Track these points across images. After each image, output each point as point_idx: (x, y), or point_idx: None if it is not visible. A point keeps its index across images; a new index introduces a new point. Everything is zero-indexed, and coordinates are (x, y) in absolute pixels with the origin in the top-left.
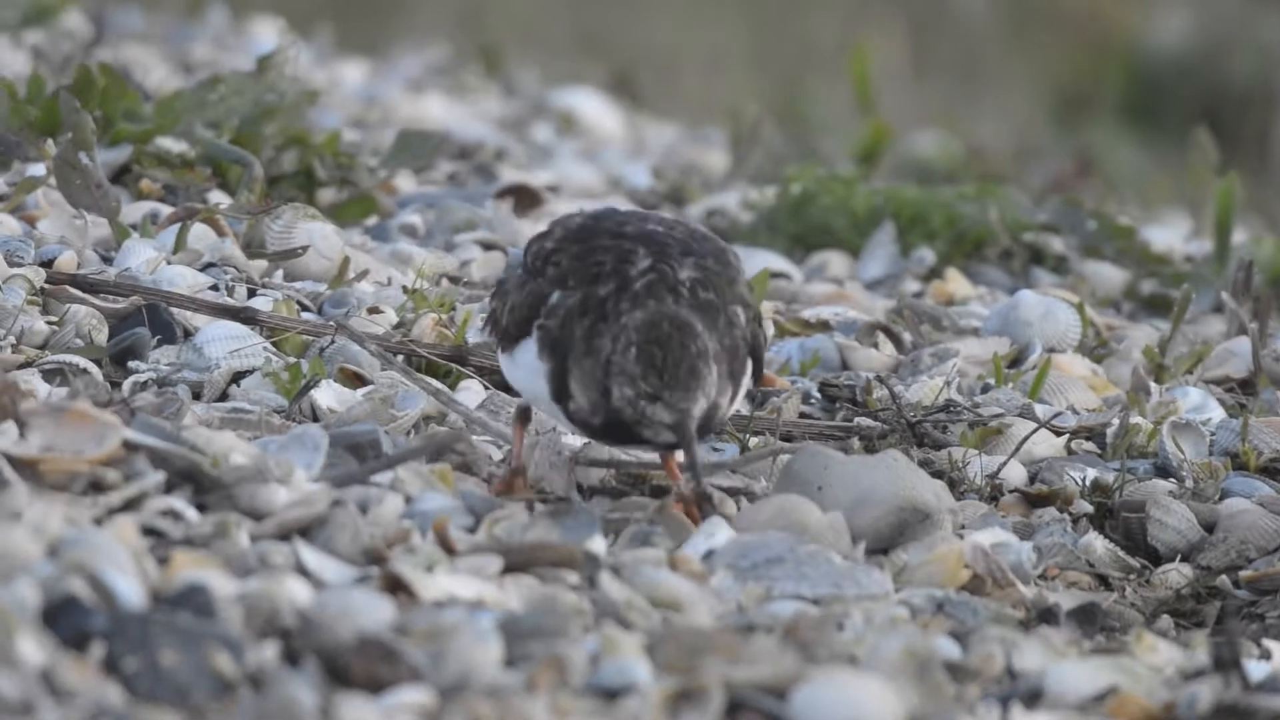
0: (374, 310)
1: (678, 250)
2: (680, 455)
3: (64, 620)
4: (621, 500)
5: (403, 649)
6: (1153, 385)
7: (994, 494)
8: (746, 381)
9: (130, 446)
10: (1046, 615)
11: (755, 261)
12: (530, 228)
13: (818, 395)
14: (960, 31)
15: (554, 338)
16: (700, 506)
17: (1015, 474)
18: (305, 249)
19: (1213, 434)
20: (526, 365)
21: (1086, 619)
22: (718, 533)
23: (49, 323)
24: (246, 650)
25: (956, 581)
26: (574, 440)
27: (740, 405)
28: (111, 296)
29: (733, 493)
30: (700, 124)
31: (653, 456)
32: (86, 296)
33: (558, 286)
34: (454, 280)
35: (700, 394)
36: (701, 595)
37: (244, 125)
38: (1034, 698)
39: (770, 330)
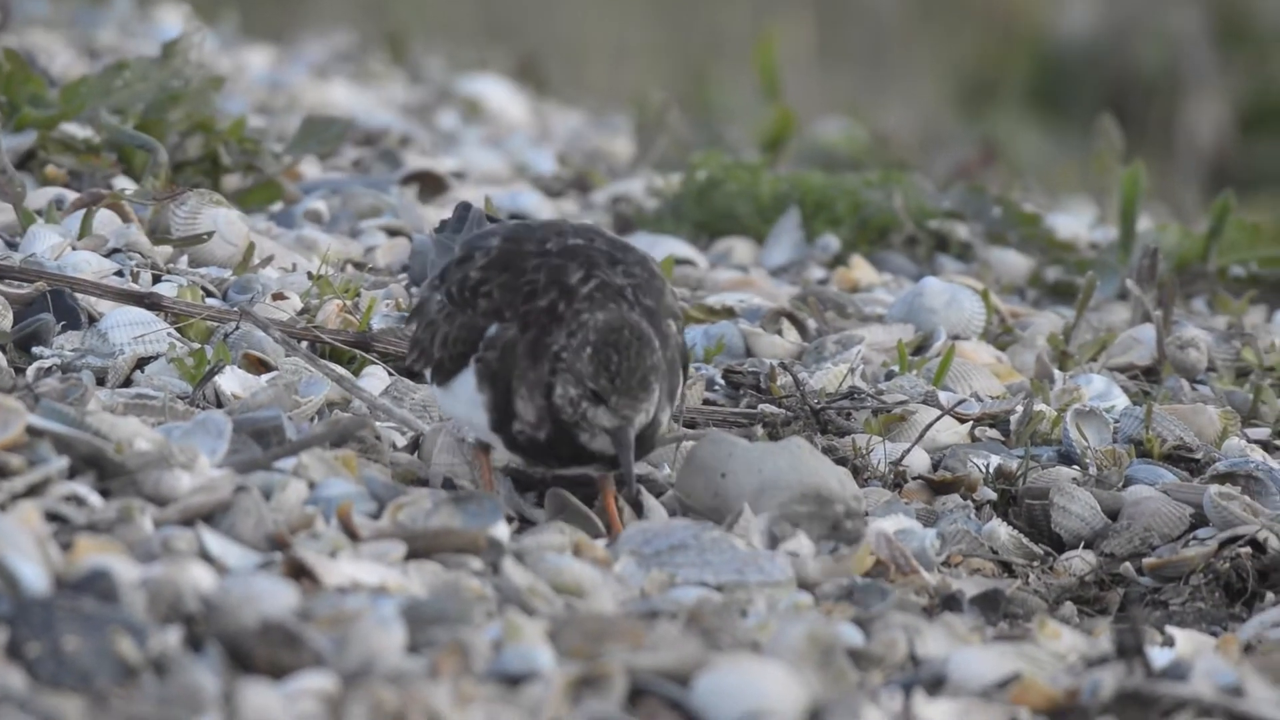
0: (278, 296)
1: (605, 262)
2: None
3: None
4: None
5: (306, 635)
6: (1057, 372)
7: (898, 481)
8: (680, 396)
9: (34, 432)
10: (950, 602)
11: (660, 248)
12: (435, 214)
13: (722, 382)
14: (867, 19)
15: (494, 370)
16: (637, 512)
17: (919, 461)
18: (210, 235)
19: (1116, 421)
20: (465, 398)
21: (990, 606)
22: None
23: None
24: (150, 635)
25: (863, 569)
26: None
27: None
28: (16, 282)
29: (640, 480)
30: (606, 111)
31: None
32: None
33: (494, 319)
34: (359, 266)
35: (646, 405)
36: (605, 581)
37: (149, 111)
38: (937, 684)
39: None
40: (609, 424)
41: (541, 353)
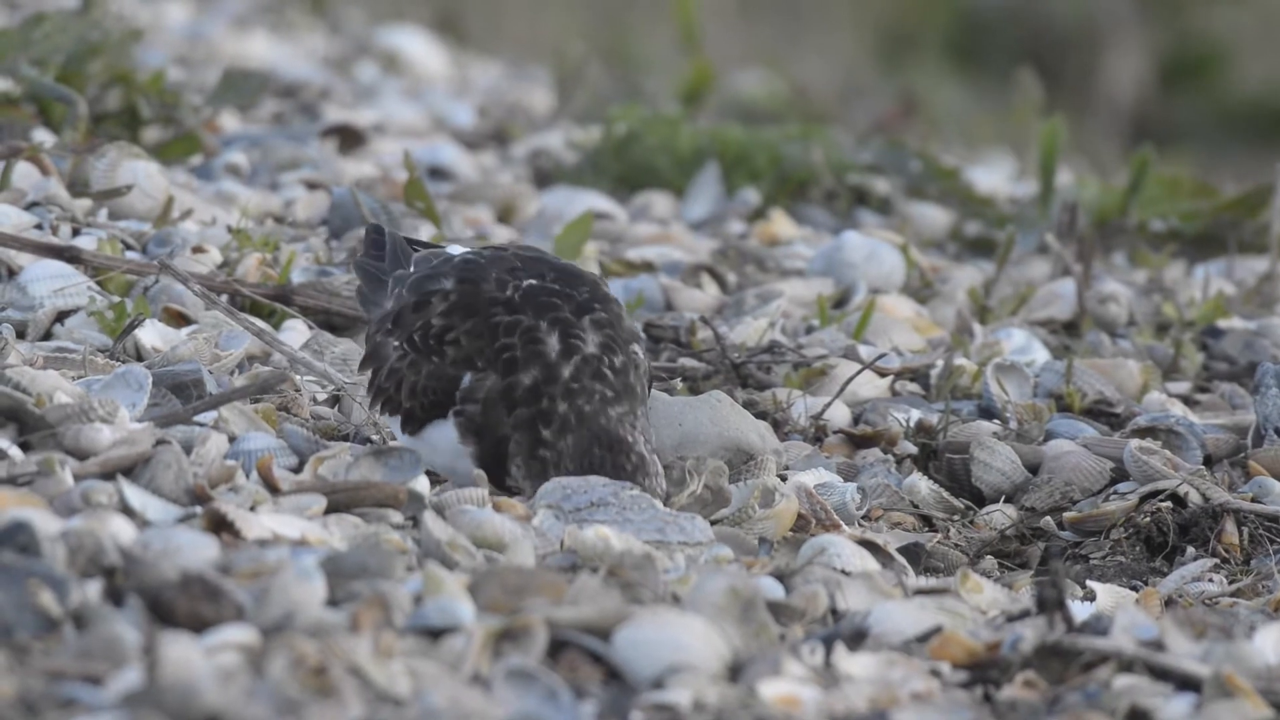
0: (198, 250)
1: (571, 310)
2: None
3: None
4: None
5: (226, 588)
6: (977, 327)
7: (818, 435)
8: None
9: None
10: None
11: (579, 202)
12: (354, 167)
13: (642, 336)
14: None
15: (478, 424)
16: None
17: (839, 415)
18: (129, 188)
19: (1037, 375)
20: (445, 449)
21: (911, 559)
22: None
23: None
24: (70, 588)
25: (785, 530)
26: None
27: None
28: None
29: None
30: (525, 63)
31: None
32: None
33: (466, 368)
34: (278, 219)
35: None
36: (525, 535)
37: (68, 63)
38: (858, 638)
39: (596, 272)
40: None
41: (539, 448)
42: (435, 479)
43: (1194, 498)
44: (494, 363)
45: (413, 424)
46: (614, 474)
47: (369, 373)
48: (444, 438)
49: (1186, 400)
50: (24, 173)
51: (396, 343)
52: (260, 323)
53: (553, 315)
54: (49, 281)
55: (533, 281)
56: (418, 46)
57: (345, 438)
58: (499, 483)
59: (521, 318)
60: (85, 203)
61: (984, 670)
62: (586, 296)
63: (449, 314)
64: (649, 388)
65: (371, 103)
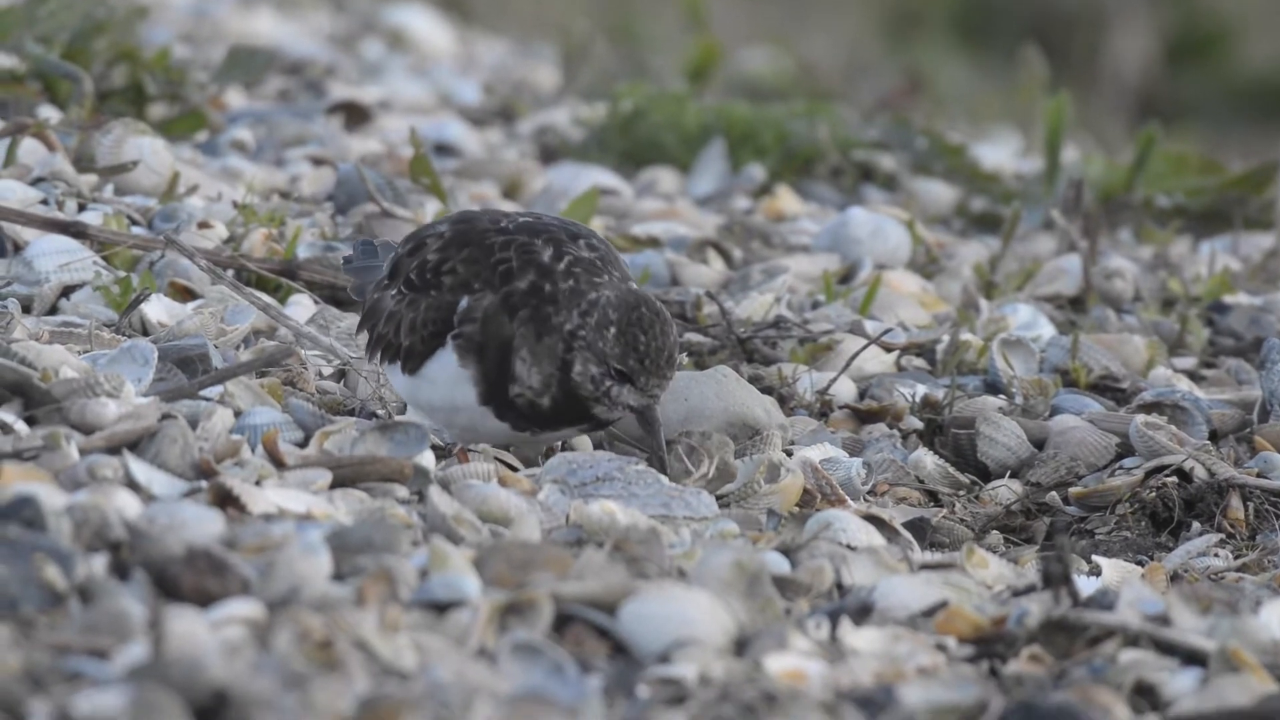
0: (204, 225)
1: (566, 236)
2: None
3: None
4: None
5: (232, 562)
6: (983, 302)
7: (824, 410)
8: None
9: None
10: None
11: (585, 178)
12: (360, 143)
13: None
14: None
15: (477, 341)
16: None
17: (845, 390)
18: (135, 164)
19: (1043, 351)
20: (445, 378)
21: (916, 534)
22: None
23: None
24: (76, 562)
25: (791, 505)
26: None
27: None
28: None
29: None
30: (531, 40)
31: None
32: None
33: (464, 292)
34: (284, 195)
35: (670, 381)
36: (531, 510)
37: (74, 40)
38: (864, 612)
39: None
40: (636, 403)
41: (548, 329)
42: (441, 453)
43: (1199, 473)
44: (491, 280)
45: (412, 361)
46: (662, 341)
47: (366, 333)
48: (443, 367)
49: (1192, 376)
50: (30, 149)
51: (394, 291)
52: (266, 297)
53: (547, 236)
54: (55, 256)
55: (527, 219)
56: (423, 24)
57: (351, 412)
58: (501, 399)
59: (517, 237)
60: (91, 178)
61: (990, 645)
62: (581, 232)
63: (444, 249)
64: None
65: (377, 80)
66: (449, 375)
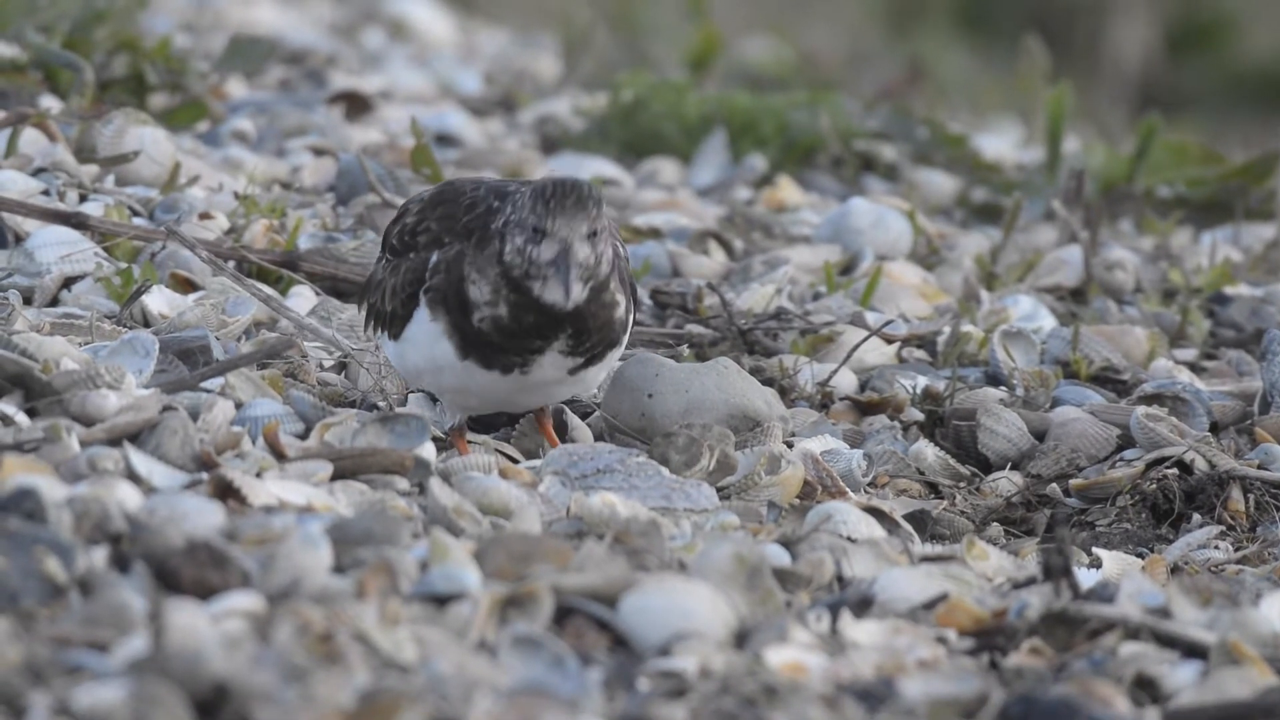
0: (205, 216)
1: None
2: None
3: None
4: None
5: (232, 554)
6: (984, 293)
7: (825, 401)
8: (631, 306)
9: None
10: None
11: (586, 168)
12: (361, 133)
13: (649, 302)
14: None
15: (443, 290)
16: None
17: (846, 381)
18: (136, 154)
19: (1044, 342)
20: (422, 337)
21: (917, 526)
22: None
23: None
24: (76, 555)
25: (792, 497)
26: None
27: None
28: None
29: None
30: (532, 30)
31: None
32: None
33: (435, 248)
34: (285, 186)
35: (584, 228)
36: (531, 502)
37: (75, 29)
38: (864, 605)
39: None
40: (550, 254)
41: (487, 237)
42: (442, 445)
43: (1200, 464)
44: (460, 234)
45: (396, 325)
46: (570, 188)
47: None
48: (420, 325)
49: (1193, 367)
50: (31, 139)
51: (383, 261)
52: (267, 289)
53: (524, 184)
54: (56, 247)
55: (509, 186)
56: (424, 13)
57: (352, 404)
58: (473, 340)
59: (491, 198)
60: (92, 169)
61: (990, 637)
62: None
63: (422, 211)
64: (628, 275)
65: (378, 69)
66: (425, 332)
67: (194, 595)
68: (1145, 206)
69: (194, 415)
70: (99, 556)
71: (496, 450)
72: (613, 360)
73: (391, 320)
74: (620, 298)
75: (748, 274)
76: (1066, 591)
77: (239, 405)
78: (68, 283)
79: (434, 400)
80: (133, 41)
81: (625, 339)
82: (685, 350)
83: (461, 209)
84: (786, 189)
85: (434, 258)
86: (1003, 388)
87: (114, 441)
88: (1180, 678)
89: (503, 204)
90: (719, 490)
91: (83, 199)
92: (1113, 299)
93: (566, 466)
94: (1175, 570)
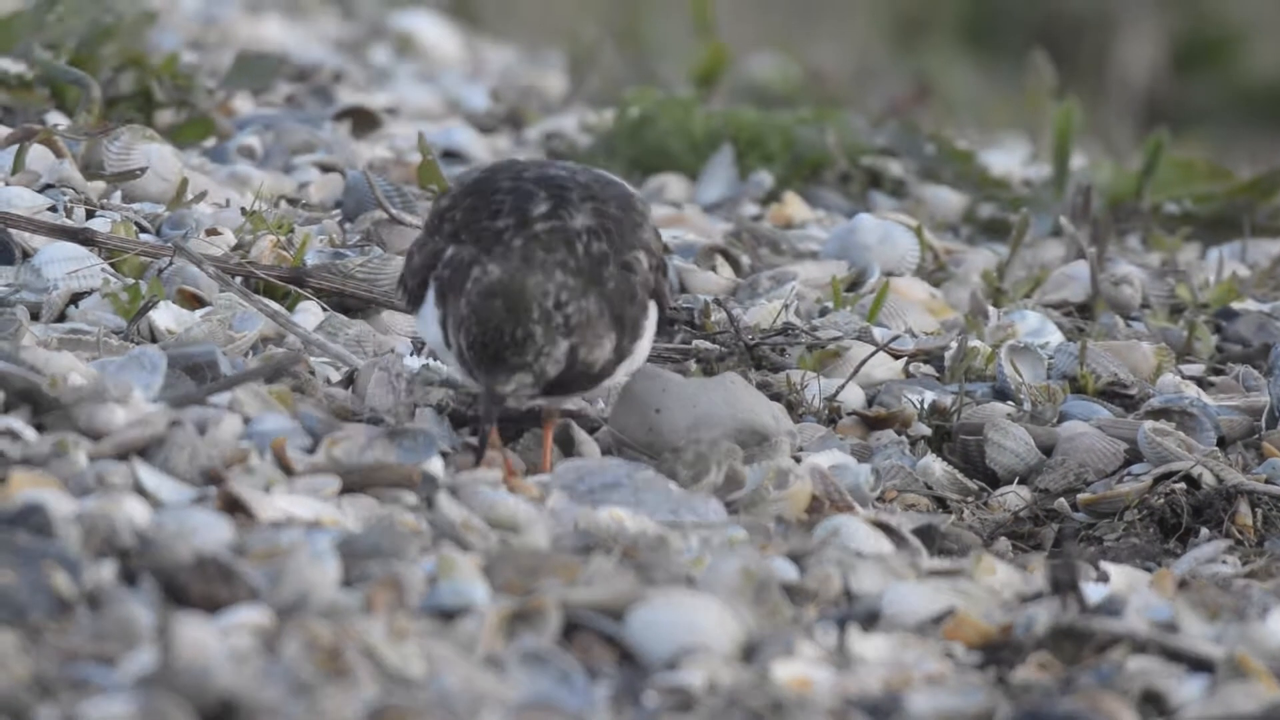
0: (212, 232)
1: (578, 195)
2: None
3: None
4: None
5: (240, 569)
6: (991, 309)
7: (832, 416)
8: (650, 324)
9: None
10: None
11: None
12: (368, 150)
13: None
14: None
15: (445, 285)
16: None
17: (853, 396)
18: (143, 170)
19: (1051, 357)
20: (428, 317)
21: (924, 541)
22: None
23: None
24: (84, 569)
25: (799, 511)
26: (413, 362)
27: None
28: None
29: (568, 415)
30: (539, 46)
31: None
32: None
33: (452, 242)
34: (292, 202)
35: (508, 376)
36: (539, 516)
37: (82, 46)
38: (871, 619)
39: None
40: (478, 390)
41: (460, 287)
42: (450, 459)
43: (1208, 479)
44: (475, 235)
45: (413, 302)
46: (493, 336)
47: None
48: (428, 306)
49: (1200, 382)
50: (38, 155)
51: (422, 233)
52: (274, 305)
53: (556, 192)
54: (63, 264)
55: (560, 173)
56: (431, 30)
57: (360, 419)
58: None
59: (524, 185)
60: (99, 185)
61: (997, 652)
62: (609, 194)
63: (458, 195)
64: (649, 310)
65: (385, 86)
66: (431, 315)
67: (202, 610)
68: (1152, 222)
69: (201, 430)
70: (107, 571)
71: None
72: (613, 381)
73: (411, 295)
74: (606, 342)
75: (755, 290)
76: (1074, 606)
77: (247, 420)
78: (75, 298)
79: (440, 411)
80: (140, 58)
81: (619, 368)
82: (693, 366)
83: (486, 210)
84: (793, 205)
85: (448, 252)
86: (1010, 403)
87: (122, 456)
88: (1187, 692)
89: (512, 230)
90: (727, 505)
91: (90, 215)
92: (1120, 314)
93: (574, 481)
94: (1183, 585)
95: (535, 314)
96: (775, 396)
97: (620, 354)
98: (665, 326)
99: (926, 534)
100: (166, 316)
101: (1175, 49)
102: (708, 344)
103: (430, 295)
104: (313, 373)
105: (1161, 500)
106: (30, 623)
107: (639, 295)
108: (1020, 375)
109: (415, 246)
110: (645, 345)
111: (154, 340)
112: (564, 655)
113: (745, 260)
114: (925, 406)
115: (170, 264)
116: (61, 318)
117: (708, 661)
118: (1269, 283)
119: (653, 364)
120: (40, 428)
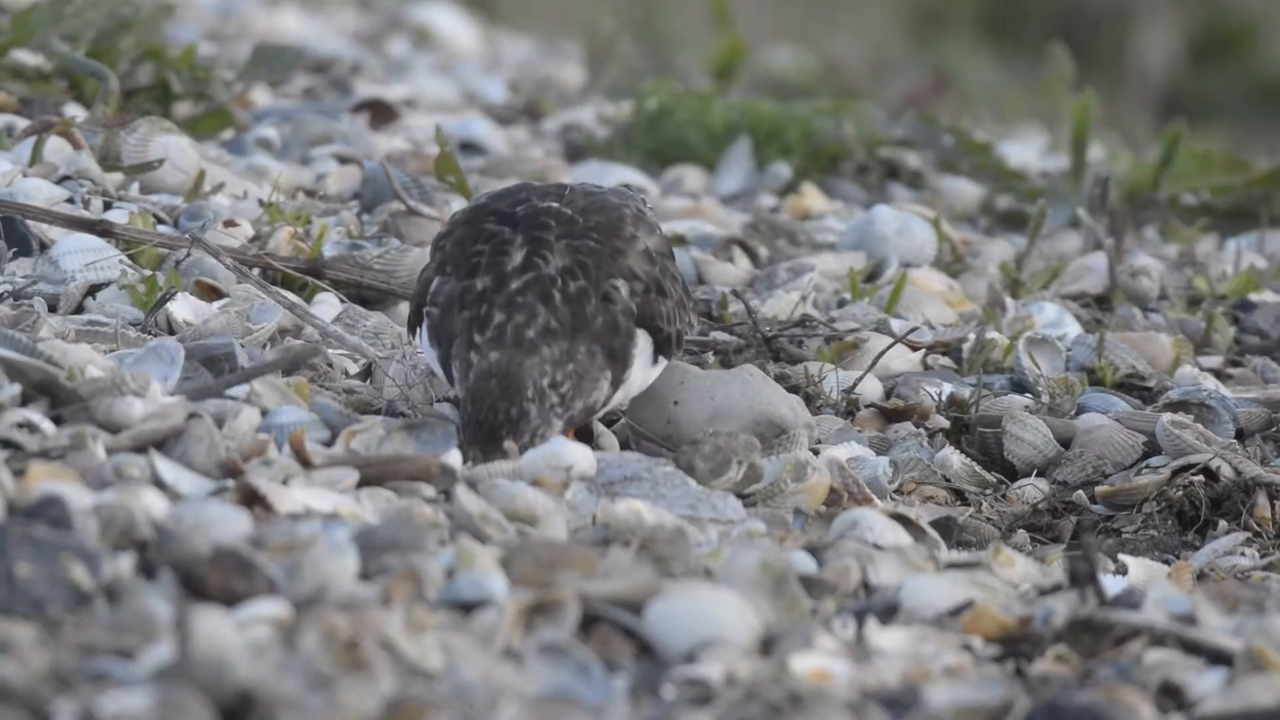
0: (230, 223)
1: (557, 234)
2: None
3: None
4: None
5: (258, 561)
6: (1009, 300)
7: (850, 409)
8: (639, 351)
9: None
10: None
11: (611, 177)
12: (386, 141)
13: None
14: None
15: (436, 325)
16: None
17: (871, 389)
18: (161, 162)
19: (1069, 349)
20: (425, 348)
21: (943, 533)
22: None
23: None
24: (102, 562)
25: (817, 504)
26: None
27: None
28: None
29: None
30: (556, 38)
31: None
32: None
33: (439, 273)
34: (310, 194)
35: (500, 453)
36: (558, 509)
37: (100, 38)
38: (890, 612)
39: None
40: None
41: (469, 347)
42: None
43: (1226, 471)
44: (460, 268)
45: (410, 329)
46: (487, 415)
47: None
48: (423, 338)
49: (1218, 374)
50: (56, 147)
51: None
52: (292, 296)
53: (534, 234)
54: (81, 255)
55: (550, 204)
56: (449, 22)
57: (378, 411)
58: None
59: (504, 230)
60: (117, 177)
61: (1016, 644)
62: (594, 223)
63: (453, 226)
64: (626, 325)
65: (403, 78)
66: (426, 348)
67: (220, 602)
68: (1170, 214)
69: (220, 422)
70: (125, 564)
71: None
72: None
73: (409, 320)
74: (603, 382)
75: (772, 281)
76: (1092, 598)
77: (265, 412)
78: (92, 290)
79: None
80: (157, 50)
81: (614, 398)
82: (710, 357)
83: (470, 249)
84: (811, 196)
85: (434, 284)
86: (1028, 395)
87: (140, 448)
88: (1205, 684)
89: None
90: (744, 497)
91: (107, 207)
92: (1138, 306)
93: (594, 474)
94: (1201, 577)
95: (529, 393)
96: (793, 388)
97: (616, 385)
98: (668, 349)
99: (945, 526)
100: (184, 308)
101: (1193, 41)
102: (725, 336)
103: (424, 331)
104: (330, 364)
105: (1180, 493)
106: (48, 615)
107: (621, 324)
108: (1038, 367)
109: (422, 268)
110: (638, 371)
111: (172, 332)
112: (582, 648)
113: (763, 252)
114: (943, 399)
115: (188, 255)
116: (79, 309)
117: (726, 654)
118: None
119: None
120: (58, 420)
